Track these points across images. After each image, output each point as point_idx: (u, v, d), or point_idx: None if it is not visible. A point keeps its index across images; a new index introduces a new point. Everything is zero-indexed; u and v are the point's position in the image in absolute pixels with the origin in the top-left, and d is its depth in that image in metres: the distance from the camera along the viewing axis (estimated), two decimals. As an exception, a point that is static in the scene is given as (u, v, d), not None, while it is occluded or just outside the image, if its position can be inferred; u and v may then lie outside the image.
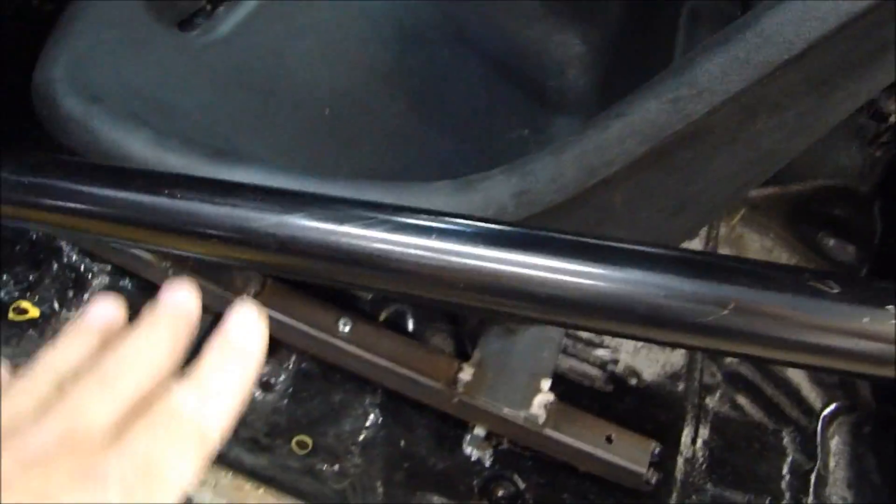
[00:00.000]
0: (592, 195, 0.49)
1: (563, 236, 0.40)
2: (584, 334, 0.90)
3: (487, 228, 0.40)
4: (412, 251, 0.39)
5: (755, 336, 0.37)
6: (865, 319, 0.36)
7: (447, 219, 0.40)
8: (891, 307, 0.36)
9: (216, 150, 0.58)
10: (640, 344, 0.90)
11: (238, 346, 0.29)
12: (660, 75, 0.46)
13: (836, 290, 0.37)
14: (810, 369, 0.78)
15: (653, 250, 0.40)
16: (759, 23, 0.42)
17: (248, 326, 0.30)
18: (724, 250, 1.04)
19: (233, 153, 0.59)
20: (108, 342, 0.29)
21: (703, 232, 1.00)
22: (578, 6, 0.95)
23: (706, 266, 0.39)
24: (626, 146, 0.47)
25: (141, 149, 0.58)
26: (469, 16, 0.96)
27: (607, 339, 0.90)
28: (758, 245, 1.08)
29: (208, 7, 0.79)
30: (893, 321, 0.35)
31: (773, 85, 0.43)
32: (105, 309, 0.31)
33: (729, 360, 0.92)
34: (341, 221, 0.39)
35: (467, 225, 0.40)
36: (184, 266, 0.79)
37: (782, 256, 1.07)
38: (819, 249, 1.07)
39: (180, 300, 0.31)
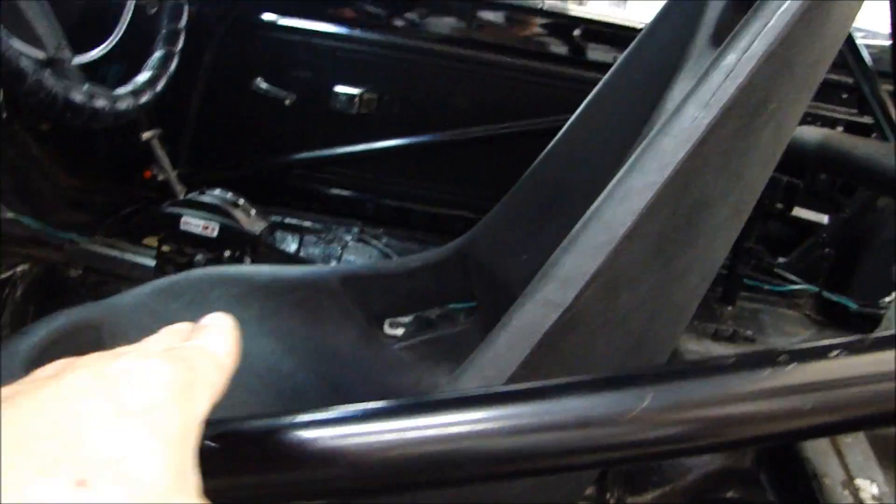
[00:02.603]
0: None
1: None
2: None
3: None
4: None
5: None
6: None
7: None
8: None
9: None
10: None
11: (217, 324, 0.38)
12: (531, 284, 0.53)
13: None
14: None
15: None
16: (597, 212, 0.51)
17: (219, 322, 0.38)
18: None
19: None
20: None
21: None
22: (442, 348, 1.04)
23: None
24: (515, 352, 0.51)
25: None
26: (342, 371, 1.02)
27: None
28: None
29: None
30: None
31: (622, 260, 0.51)
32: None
33: None
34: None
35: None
36: None
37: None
38: (729, 533, 1.07)
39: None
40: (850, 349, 0.40)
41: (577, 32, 2.07)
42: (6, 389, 0.28)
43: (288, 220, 2.11)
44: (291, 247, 2.09)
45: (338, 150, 2.10)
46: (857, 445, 1.22)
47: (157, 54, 0.96)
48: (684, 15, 0.95)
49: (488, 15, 2.05)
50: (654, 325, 0.58)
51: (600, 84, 1.03)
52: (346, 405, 0.41)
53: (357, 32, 2.02)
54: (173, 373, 0.30)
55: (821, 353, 0.41)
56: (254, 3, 2.00)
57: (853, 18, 0.63)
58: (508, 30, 2.06)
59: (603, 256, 0.50)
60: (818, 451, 1.19)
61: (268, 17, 2.02)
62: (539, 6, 2.06)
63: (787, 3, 0.51)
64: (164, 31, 0.97)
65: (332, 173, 2.16)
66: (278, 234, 2.09)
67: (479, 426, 0.39)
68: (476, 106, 2.06)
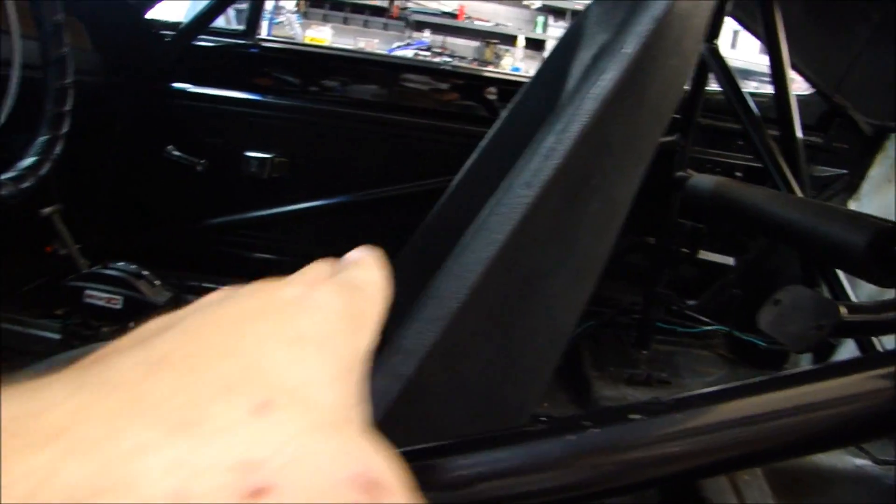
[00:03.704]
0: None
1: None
2: None
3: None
4: None
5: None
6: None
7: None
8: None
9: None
10: None
11: (367, 256, 0.35)
12: (380, 353, 0.55)
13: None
14: None
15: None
16: (435, 286, 0.54)
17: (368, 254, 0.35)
18: None
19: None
20: None
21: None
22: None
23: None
24: (364, 423, 0.53)
25: None
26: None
27: None
28: None
29: None
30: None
31: (459, 332, 0.54)
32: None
33: None
34: None
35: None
36: None
37: None
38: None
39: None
40: (647, 412, 0.44)
41: (485, 90, 2.14)
42: (164, 318, 0.27)
43: (205, 285, 2.11)
44: (210, 312, 2.08)
45: (252, 213, 2.12)
46: (754, 481, 1.27)
47: (41, 139, 0.97)
48: (561, 66, 0.99)
49: (395, 77, 2.11)
50: (504, 389, 0.61)
51: (483, 140, 1.07)
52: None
53: (266, 98, 2.06)
54: (343, 302, 0.29)
55: (620, 416, 0.44)
56: (163, 72, 2.02)
57: (677, 92, 0.68)
58: (416, 91, 2.12)
59: (440, 329, 0.53)
60: (717, 490, 1.23)
61: (178, 85, 2.04)
62: (442, 67, 2.14)
63: (598, 86, 0.56)
64: (48, 115, 0.98)
65: (249, 237, 2.17)
66: (196, 299, 2.08)
67: None
68: (388, 165, 2.10)
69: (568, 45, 0.97)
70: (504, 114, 1.05)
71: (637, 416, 0.44)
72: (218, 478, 0.20)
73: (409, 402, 0.54)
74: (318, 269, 0.33)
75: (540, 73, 1.03)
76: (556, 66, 0.96)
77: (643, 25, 0.55)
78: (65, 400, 0.20)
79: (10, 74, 0.98)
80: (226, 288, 0.30)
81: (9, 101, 0.99)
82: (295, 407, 0.23)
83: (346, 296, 0.29)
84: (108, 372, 0.22)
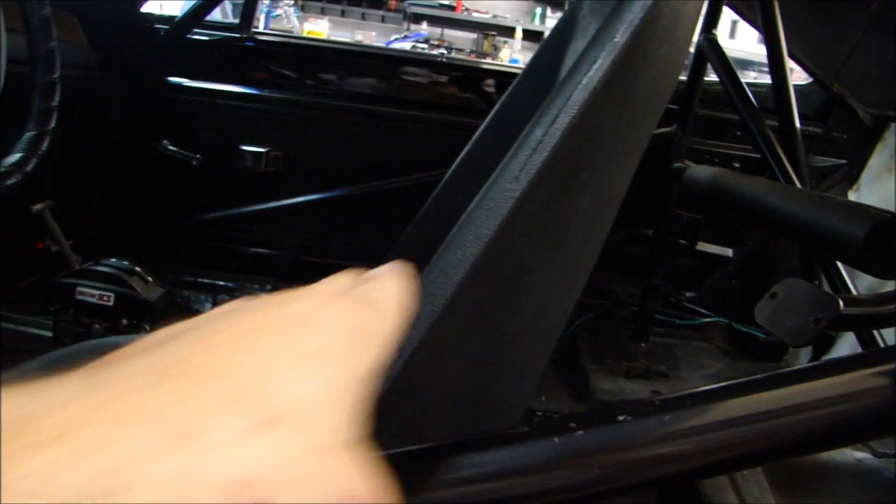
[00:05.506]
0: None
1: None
2: None
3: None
4: None
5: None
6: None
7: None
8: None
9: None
10: None
11: (392, 270, 0.34)
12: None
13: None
14: None
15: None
16: (423, 284, 0.53)
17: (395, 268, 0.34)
18: None
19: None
20: None
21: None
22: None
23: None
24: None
25: None
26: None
27: None
28: None
29: None
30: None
31: (446, 329, 0.52)
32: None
33: None
34: None
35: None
36: None
37: None
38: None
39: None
40: (635, 413, 0.43)
41: (483, 83, 2.12)
42: (168, 329, 0.27)
43: (201, 280, 2.10)
44: (206, 306, 2.07)
45: (248, 208, 2.11)
46: (752, 476, 1.26)
47: (28, 135, 0.95)
48: (554, 57, 0.98)
49: (392, 70, 2.09)
50: (492, 389, 0.60)
51: (477, 132, 1.06)
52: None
53: (261, 92, 2.04)
54: (355, 318, 0.28)
55: (607, 418, 0.43)
56: (158, 66, 2.01)
57: (670, 82, 0.67)
58: (413, 84, 2.11)
59: (426, 327, 0.52)
60: (715, 486, 1.22)
61: (173, 79, 2.02)
62: (439, 59, 2.12)
63: (587, 76, 0.54)
64: (35, 110, 0.96)
65: (244, 231, 2.16)
66: (191, 294, 2.07)
67: None
68: (385, 159, 2.09)
69: (560, 36, 0.96)
70: (497, 106, 1.04)
71: (624, 418, 0.43)
72: (214, 491, 0.20)
73: (394, 401, 0.53)
74: (338, 282, 0.33)
75: (532, 64, 1.01)
76: (549, 58, 0.95)
77: (633, 14, 0.54)
78: (72, 402, 0.21)
79: (-5, 69, 0.96)
80: (242, 299, 0.30)
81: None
82: (296, 425, 0.23)
83: (359, 312, 0.29)
84: (116, 377, 0.23)
